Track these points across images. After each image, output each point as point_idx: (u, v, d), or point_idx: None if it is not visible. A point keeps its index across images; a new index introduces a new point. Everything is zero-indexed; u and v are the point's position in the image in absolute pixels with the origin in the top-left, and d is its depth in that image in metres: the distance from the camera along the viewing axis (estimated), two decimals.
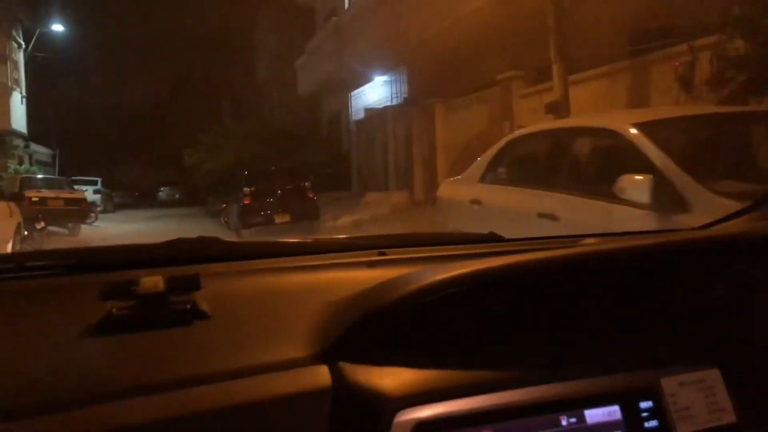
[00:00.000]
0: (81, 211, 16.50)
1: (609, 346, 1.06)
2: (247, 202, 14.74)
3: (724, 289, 1.17)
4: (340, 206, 17.52)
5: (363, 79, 21.01)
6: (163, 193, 40.05)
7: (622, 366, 1.01)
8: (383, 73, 19.76)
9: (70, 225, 16.74)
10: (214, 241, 1.49)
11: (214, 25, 35.52)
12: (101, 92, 39.00)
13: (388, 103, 19.15)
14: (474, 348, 0.99)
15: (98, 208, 23.13)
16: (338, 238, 1.72)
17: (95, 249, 1.54)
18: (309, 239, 1.69)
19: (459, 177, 5.92)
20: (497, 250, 1.47)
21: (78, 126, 36.21)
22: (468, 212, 5.26)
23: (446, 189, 6.13)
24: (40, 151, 30.22)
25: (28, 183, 16.63)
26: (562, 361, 1.01)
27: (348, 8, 20.76)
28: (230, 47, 39.38)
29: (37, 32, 22.97)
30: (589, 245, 1.32)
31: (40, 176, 19.13)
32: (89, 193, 28.04)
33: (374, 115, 20.15)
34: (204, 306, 1.05)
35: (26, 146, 26.51)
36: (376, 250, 1.45)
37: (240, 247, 1.67)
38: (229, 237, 16.78)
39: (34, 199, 15.73)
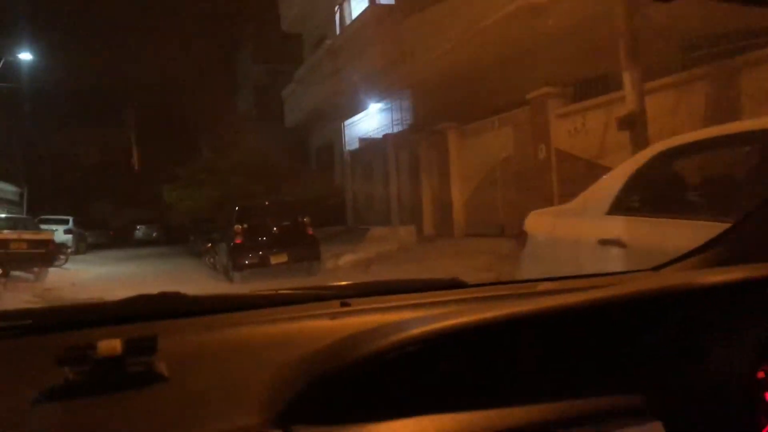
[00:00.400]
0: (48, 253, 14.62)
1: (551, 402, 1.06)
2: (238, 241, 13.01)
3: (668, 336, 1.18)
4: (338, 242, 15.86)
5: (357, 107, 19.60)
6: (140, 231, 37.80)
7: (564, 422, 1.02)
8: (380, 100, 18.35)
9: (35, 269, 14.84)
10: (175, 296, 1.44)
11: (193, 56, 34.01)
12: (72, 126, 36.89)
13: (387, 131, 17.70)
14: (429, 404, 0.99)
15: (69, 250, 21.12)
16: (300, 289, 1.68)
17: (51, 309, 1.48)
18: (270, 291, 1.65)
19: (559, 207, 4.28)
20: (461, 297, 1.54)
21: (48, 162, 34.12)
22: (599, 256, 3.66)
23: (542, 223, 4.52)
24: (6, 188, 28.16)
25: None
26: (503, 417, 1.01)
27: (341, 32, 19.39)
28: (210, 78, 37.89)
29: (2, 60, 21.21)
30: (545, 299, 1.27)
31: (5, 215, 17.21)
32: (59, 233, 26.04)
33: (371, 144, 18.69)
34: (161, 368, 1.04)
35: None
36: (339, 300, 1.47)
37: (201, 302, 1.51)
38: (217, 279, 15.06)
39: None
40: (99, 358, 0.98)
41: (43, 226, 26.66)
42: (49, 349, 1.00)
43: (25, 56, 21.82)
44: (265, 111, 27.17)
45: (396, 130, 17.35)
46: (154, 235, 37.47)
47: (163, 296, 1.43)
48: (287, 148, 24.37)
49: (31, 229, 15.23)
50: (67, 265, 20.30)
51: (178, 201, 23.37)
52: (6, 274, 10.49)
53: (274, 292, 1.64)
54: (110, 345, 0.99)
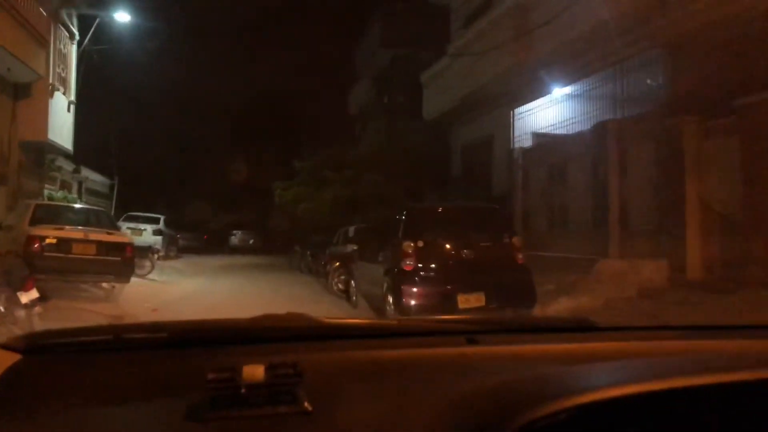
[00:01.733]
0: (123, 263, 10.20)
1: None
2: (408, 267, 8.10)
3: None
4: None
5: (534, 91, 14.46)
6: (236, 237, 34.04)
7: None
8: (582, 77, 13.10)
9: (105, 284, 10.51)
10: (304, 318, 1.48)
11: (312, 40, 30.01)
12: (171, 112, 33.31)
13: (575, 124, 12.53)
14: None
15: (157, 256, 16.96)
16: (427, 320, 1.81)
17: (183, 323, 1.52)
18: (395, 320, 1.82)
19: None
20: (596, 342, 1.49)
21: (142, 153, 30.68)
22: None
23: None
24: (95, 179, 24.69)
25: (46, 214, 10.52)
26: None
27: None
28: (328, 65, 33.83)
29: (96, 21, 17.53)
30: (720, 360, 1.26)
31: (75, 205, 13.05)
32: (147, 233, 22.24)
33: (564, 140, 13.47)
34: (303, 396, 1.06)
35: (76, 170, 20.88)
36: (464, 336, 1.45)
37: (330, 327, 1.55)
38: (348, 310, 10.41)
39: (48, 240, 9.55)
40: (243, 383, 1.03)
41: (130, 224, 22.96)
42: (186, 365, 1.16)
43: (122, 17, 17.92)
44: (396, 102, 22.44)
45: (604, 117, 12.08)
46: (251, 242, 33.67)
47: (292, 317, 1.47)
48: (424, 146, 19.49)
49: (105, 226, 10.87)
50: (153, 275, 16.23)
51: (292, 202, 18.80)
52: (37, 303, 5.86)
53: (398, 321, 1.84)
54: (254, 371, 1.04)
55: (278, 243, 33.80)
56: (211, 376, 1.02)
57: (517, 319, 1.81)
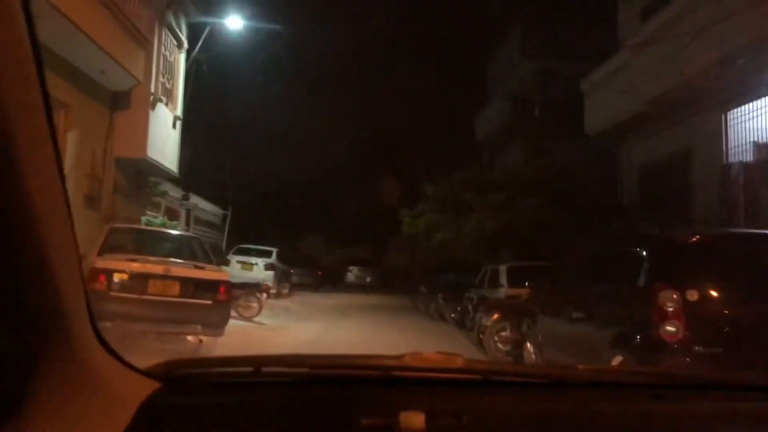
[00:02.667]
0: (216, 307, 7.43)
1: None
2: (671, 334, 4.64)
3: None
4: None
5: (759, 86, 10.63)
6: (352, 274, 31.52)
7: None
8: None
9: (190, 334, 7.73)
10: (460, 360, 1.36)
11: (434, 67, 27.41)
12: (287, 138, 31.27)
13: None
14: None
15: (265, 296, 14.39)
16: (603, 369, 1.69)
17: (323, 358, 1.45)
18: (567, 367, 1.67)
19: None
20: None
21: (254, 180, 28.76)
22: None
23: None
24: (206, 207, 22.84)
25: (124, 241, 7.98)
26: None
27: None
28: (450, 90, 31.08)
29: (207, 29, 15.57)
30: None
31: (164, 230, 10.55)
32: (259, 267, 19.87)
33: None
34: None
35: (184, 197, 18.91)
36: (648, 391, 1.35)
37: (493, 371, 1.44)
38: None
39: (117, 276, 6.92)
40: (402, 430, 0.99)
41: (240, 258, 20.59)
42: (330, 404, 1.12)
43: (235, 23, 15.82)
44: (544, 118, 19.00)
45: None
46: (368, 279, 30.98)
47: (446, 358, 1.33)
48: (585, 167, 15.88)
49: (197, 258, 8.17)
50: (261, 317, 13.72)
51: (424, 233, 15.67)
52: None
53: (574, 369, 1.55)
54: (413, 418, 1.00)
55: (397, 281, 31.20)
56: (365, 421, 0.99)
57: (700, 376, 1.37)
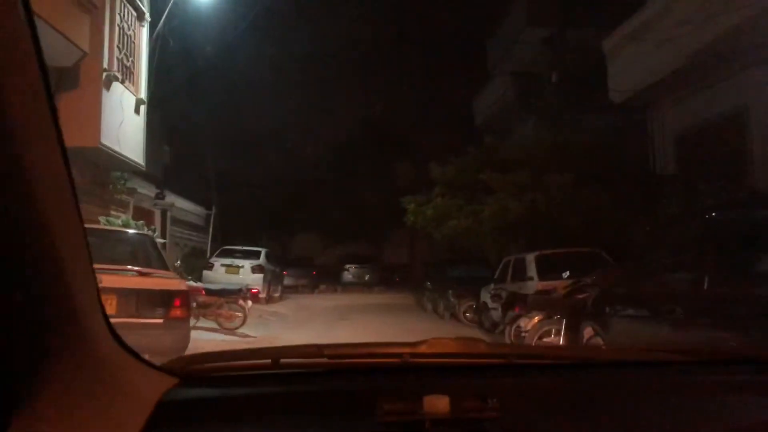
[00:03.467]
0: (169, 324, 5.45)
1: None
2: None
3: None
4: None
5: None
6: (350, 273, 29.47)
7: None
8: None
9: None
10: (483, 343, 1.39)
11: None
12: (271, 123, 28.79)
13: None
14: None
15: (250, 303, 12.46)
16: (627, 349, 1.69)
17: (348, 347, 1.40)
18: (592, 347, 1.72)
19: None
20: None
21: (241, 178, 26.58)
22: None
23: None
24: (185, 207, 20.72)
25: None
26: None
27: None
28: (443, 78, 29.16)
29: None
30: None
31: (106, 227, 8.50)
32: (245, 270, 17.83)
33: None
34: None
35: (159, 195, 16.81)
36: (675, 368, 1.36)
37: (516, 354, 1.36)
38: None
39: None
40: (427, 416, 0.96)
41: (225, 261, 18.45)
42: (350, 393, 1.09)
43: None
44: (560, 88, 17.00)
45: None
46: (367, 278, 29.01)
47: (468, 342, 1.33)
48: (612, 138, 13.90)
49: (145, 263, 6.15)
50: (245, 328, 11.88)
51: (433, 221, 13.59)
52: None
53: (599, 349, 1.67)
54: (437, 402, 0.96)
55: (397, 278, 29.41)
56: (388, 407, 0.96)
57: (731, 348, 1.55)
